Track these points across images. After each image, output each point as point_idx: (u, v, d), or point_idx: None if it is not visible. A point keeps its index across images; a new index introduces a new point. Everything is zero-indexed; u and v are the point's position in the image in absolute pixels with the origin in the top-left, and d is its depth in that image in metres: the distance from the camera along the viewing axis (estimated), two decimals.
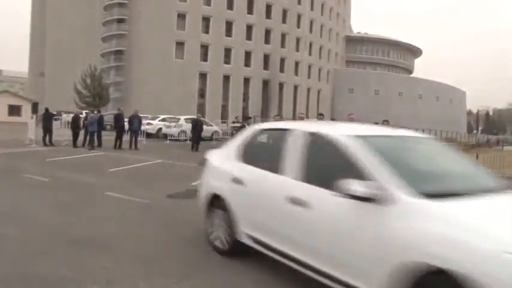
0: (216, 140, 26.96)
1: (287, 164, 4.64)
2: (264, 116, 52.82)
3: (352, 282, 3.67)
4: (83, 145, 20.57)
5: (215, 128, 31.43)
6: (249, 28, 64.95)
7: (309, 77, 74.18)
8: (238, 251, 5.32)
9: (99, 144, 20.90)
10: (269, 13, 67.02)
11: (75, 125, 21.31)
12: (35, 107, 54.42)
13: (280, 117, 15.94)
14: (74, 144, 20.68)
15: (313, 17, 74.32)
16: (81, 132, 21.38)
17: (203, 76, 61.94)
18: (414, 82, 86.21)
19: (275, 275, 4.78)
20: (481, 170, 4.79)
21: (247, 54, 65.14)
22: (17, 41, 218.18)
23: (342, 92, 79.68)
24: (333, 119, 14.45)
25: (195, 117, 25.61)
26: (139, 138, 22.66)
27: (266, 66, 67.43)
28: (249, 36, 65.01)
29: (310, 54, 74.00)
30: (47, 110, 22.78)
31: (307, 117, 47.45)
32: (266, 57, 67.20)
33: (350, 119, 13.02)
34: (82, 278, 4.60)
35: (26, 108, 54.16)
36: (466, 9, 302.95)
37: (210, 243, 5.78)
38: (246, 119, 14.63)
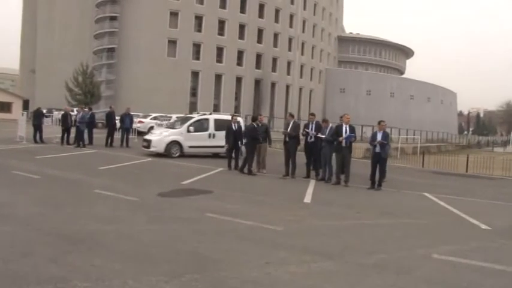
0: None
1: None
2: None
3: None
4: (74, 142, 20.43)
5: None
6: (242, 27, 64.91)
7: (301, 76, 74.28)
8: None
9: (90, 142, 20.80)
10: (262, 12, 67.02)
11: (64, 122, 21.10)
12: (25, 104, 54.12)
13: (262, 116, 16.28)
14: (62, 142, 20.55)
15: (305, 17, 74.41)
16: (74, 130, 21.26)
17: (195, 74, 61.83)
18: (406, 83, 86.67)
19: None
20: None
21: (240, 53, 65.12)
22: (8, 37, 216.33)
23: (334, 92, 79.90)
24: (325, 120, 14.46)
25: (183, 115, 25.62)
26: (130, 136, 22.59)
27: (258, 65, 67.43)
28: (241, 35, 64.98)
29: (302, 53, 74.08)
30: (38, 108, 22.76)
31: (299, 117, 47.00)
32: (258, 57, 67.22)
33: (346, 118, 13.10)
34: (71, 275, 4.60)
35: (17, 105, 53.79)
36: (459, 10, 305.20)
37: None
38: (255, 119, 15.36)
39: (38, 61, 69.67)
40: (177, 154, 17.91)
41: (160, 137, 18.24)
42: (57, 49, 65.27)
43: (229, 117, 19.10)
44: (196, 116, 19.76)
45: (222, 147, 17.83)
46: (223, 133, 17.55)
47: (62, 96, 52.27)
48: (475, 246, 6.99)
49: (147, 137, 19.22)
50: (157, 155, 17.65)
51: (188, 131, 18.27)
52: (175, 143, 17.99)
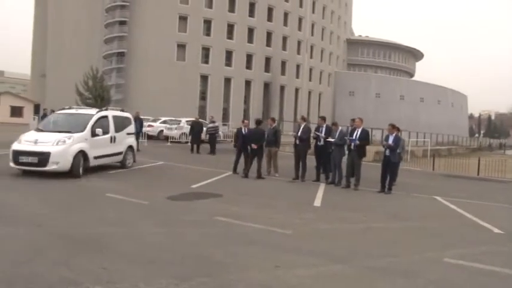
0: (217, 143, 25.47)
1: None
2: (266, 119, 52.70)
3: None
4: None
5: None
6: (251, 31, 64.96)
7: (310, 79, 74.13)
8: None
9: None
10: (270, 16, 67.01)
11: None
12: (36, 109, 54.65)
13: (273, 121, 15.51)
14: None
15: (314, 20, 74.34)
16: None
17: (204, 78, 61.95)
18: (415, 85, 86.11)
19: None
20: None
21: (249, 57, 65.13)
22: (20, 42, 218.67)
23: (343, 95, 79.61)
24: (334, 123, 14.39)
25: (194, 119, 25.46)
26: (140, 140, 22.64)
27: (267, 68, 67.38)
28: (250, 39, 65.02)
29: (311, 57, 73.96)
30: (44, 111, 23.07)
31: (308, 120, 46.90)
32: (267, 60, 67.16)
33: (357, 122, 13.05)
34: (82, 278, 4.64)
35: (28, 109, 54.33)
36: (469, 12, 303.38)
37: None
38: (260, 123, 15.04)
39: (49, 66, 70.39)
40: (82, 170, 12.06)
41: (63, 146, 11.51)
42: (67, 54, 65.82)
43: (124, 114, 15.21)
44: (84, 111, 14.12)
45: (120, 154, 14.16)
46: (122, 135, 14.27)
47: (72, 100, 52.41)
48: (486, 250, 6.93)
49: (31, 148, 11.53)
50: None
51: (95, 135, 12.61)
52: (81, 153, 11.95)
